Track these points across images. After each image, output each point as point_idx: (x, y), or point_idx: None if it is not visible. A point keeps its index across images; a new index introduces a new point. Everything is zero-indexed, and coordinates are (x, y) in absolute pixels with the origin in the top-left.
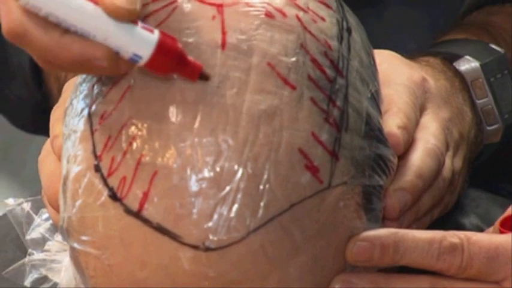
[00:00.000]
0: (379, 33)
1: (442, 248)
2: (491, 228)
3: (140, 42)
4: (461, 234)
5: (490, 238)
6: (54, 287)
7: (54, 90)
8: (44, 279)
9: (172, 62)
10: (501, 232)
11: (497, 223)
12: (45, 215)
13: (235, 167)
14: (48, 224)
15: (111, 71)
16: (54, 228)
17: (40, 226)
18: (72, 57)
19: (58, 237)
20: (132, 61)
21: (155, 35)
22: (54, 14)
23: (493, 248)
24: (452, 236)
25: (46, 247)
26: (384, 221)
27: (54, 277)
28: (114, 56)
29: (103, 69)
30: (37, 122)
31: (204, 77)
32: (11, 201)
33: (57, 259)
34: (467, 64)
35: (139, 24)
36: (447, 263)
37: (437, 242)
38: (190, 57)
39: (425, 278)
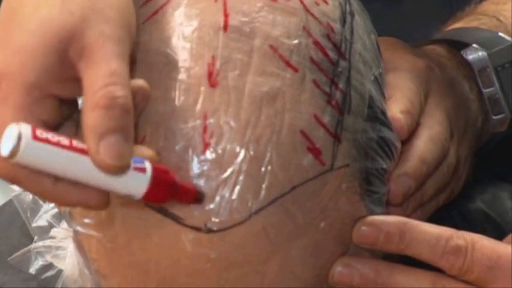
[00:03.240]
0: (398, 25)
1: (448, 247)
2: (510, 236)
3: (132, 184)
4: (469, 237)
5: (494, 247)
6: (59, 274)
7: None
8: (49, 266)
9: (166, 194)
10: None
11: None
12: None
13: (237, 148)
14: (54, 211)
15: (105, 208)
16: (61, 215)
17: (47, 213)
18: (66, 203)
19: (64, 224)
20: (126, 197)
21: (147, 175)
22: (45, 170)
23: (494, 258)
24: (460, 237)
25: (52, 234)
26: (387, 206)
27: (59, 264)
28: (107, 197)
29: (97, 210)
30: None
31: (198, 200)
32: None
33: (62, 246)
34: (475, 53)
35: (132, 164)
36: (450, 262)
37: (443, 240)
38: (184, 184)
39: (426, 275)
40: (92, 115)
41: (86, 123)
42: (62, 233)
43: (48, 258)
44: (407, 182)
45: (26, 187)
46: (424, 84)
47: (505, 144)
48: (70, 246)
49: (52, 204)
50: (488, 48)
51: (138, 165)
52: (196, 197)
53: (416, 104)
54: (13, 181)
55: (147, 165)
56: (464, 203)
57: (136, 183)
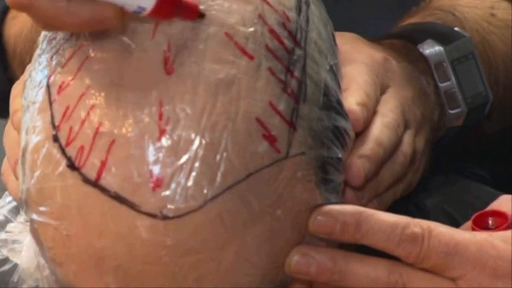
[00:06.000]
0: (348, 18)
1: (404, 235)
2: (468, 223)
3: None
4: (425, 224)
5: (452, 234)
6: (15, 268)
7: (18, 74)
8: (5, 260)
9: (173, 7)
10: (473, 229)
11: (471, 220)
12: (9, 198)
13: (193, 135)
14: (11, 205)
15: (117, 26)
16: (17, 209)
17: (3, 208)
18: (81, 21)
19: (20, 218)
20: (136, 12)
21: None
22: None
23: (452, 245)
24: (416, 225)
25: (8, 228)
26: (343, 194)
27: (15, 258)
28: (121, 12)
29: (111, 25)
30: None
31: (201, 15)
32: None
33: (18, 239)
34: (431, 47)
35: None
36: (406, 250)
37: (400, 229)
38: (188, 0)
39: (383, 263)
40: None
41: None
42: (18, 227)
43: (5, 252)
44: (367, 164)
45: (40, 10)
46: (381, 76)
47: (461, 138)
48: (26, 239)
49: (9, 199)
50: (444, 42)
51: None
52: (199, 14)
53: (372, 96)
54: (28, 5)
55: None
56: (421, 197)
57: None
